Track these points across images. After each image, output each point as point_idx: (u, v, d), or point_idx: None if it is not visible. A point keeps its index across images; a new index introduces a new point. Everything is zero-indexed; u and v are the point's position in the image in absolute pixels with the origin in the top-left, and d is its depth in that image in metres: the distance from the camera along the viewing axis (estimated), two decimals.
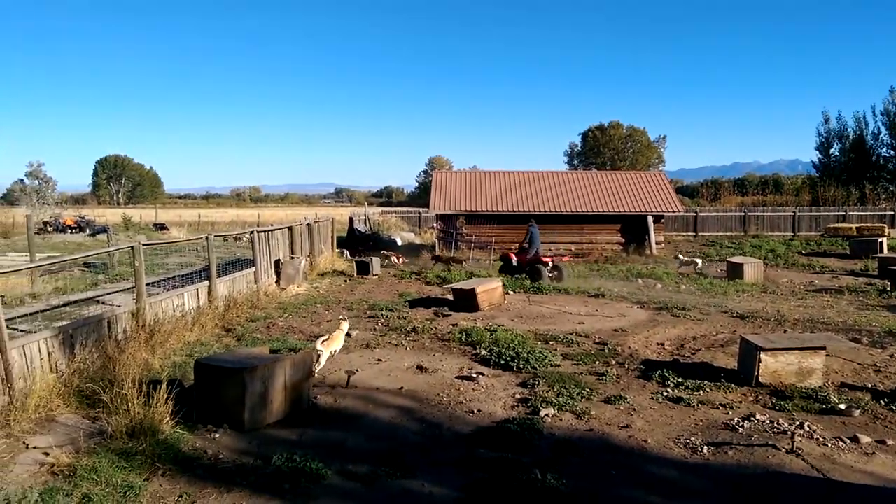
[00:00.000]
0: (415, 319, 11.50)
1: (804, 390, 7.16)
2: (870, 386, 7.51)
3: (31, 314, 10.49)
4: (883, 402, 6.87)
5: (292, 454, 5.41)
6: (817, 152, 50.06)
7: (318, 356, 8.10)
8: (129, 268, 15.31)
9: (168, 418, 5.89)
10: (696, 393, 7.27)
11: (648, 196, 26.39)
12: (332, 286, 16.05)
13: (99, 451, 5.44)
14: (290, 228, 16.62)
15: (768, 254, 23.86)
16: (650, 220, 25.24)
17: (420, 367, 8.40)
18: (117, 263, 18.45)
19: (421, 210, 40.54)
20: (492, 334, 10.02)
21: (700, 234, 32.59)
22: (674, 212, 26.80)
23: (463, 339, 9.90)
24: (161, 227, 40.99)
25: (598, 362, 8.67)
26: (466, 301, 12.47)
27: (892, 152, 45.11)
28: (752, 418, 6.42)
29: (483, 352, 9.07)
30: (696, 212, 34.54)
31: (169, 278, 13.16)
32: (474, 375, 7.96)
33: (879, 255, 20.19)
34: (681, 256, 20.77)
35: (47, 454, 5.40)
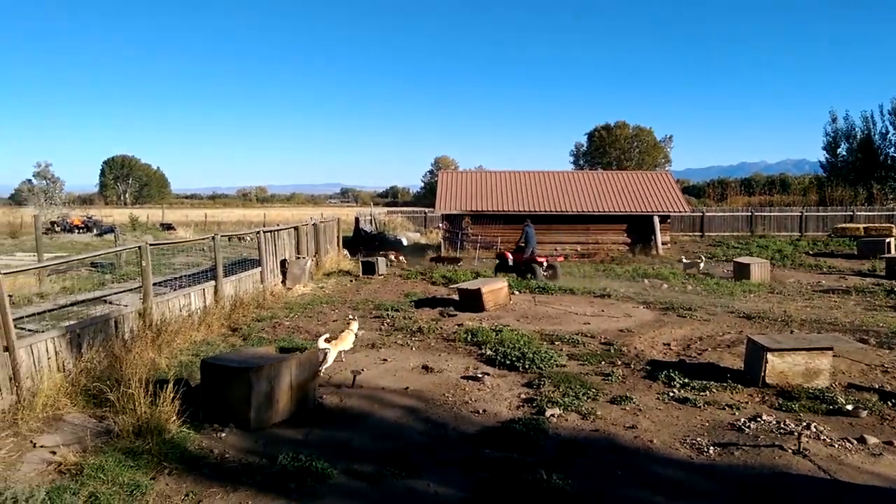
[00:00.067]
0: (420, 319, 11.51)
1: (811, 391, 7.13)
2: (877, 387, 7.47)
3: (38, 313, 10.55)
4: (890, 404, 6.83)
5: (298, 454, 5.43)
6: (824, 152, 49.89)
7: (326, 355, 8.11)
8: (136, 267, 15.39)
9: (174, 417, 5.91)
10: (702, 393, 7.26)
11: (655, 196, 26.33)
12: (338, 286, 16.08)
13: (106, 450, 5.47)
14: (295, 228, 16.66)
15: (775, 254, 23.79)
16: (656, 220, 25.18)
17: (426, 367, 8.41)
18: (124, 263, 18.53)
19: (426, 210, 40.55)
20: (497, 334, 10.02)
21: (706, 234, 32.50)
22: (680, 212, 26.73)
23: (468, 339, 9.90)
24: (168, 227, 41.11)
25: (603, 363, 8.65)
26: (472, 301, 12.47)
27: None
28: (759, 419, 6.40)
29: (488, 352, 9.07)
30: (702, 212, 34.44)
31: (175, 278, 13.20)
32: (480, 375, 7.96)
33: (887, 255, 20.09)
34: (684, 259, 20.71)
35: (54, 453, 5.43)
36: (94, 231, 35.62)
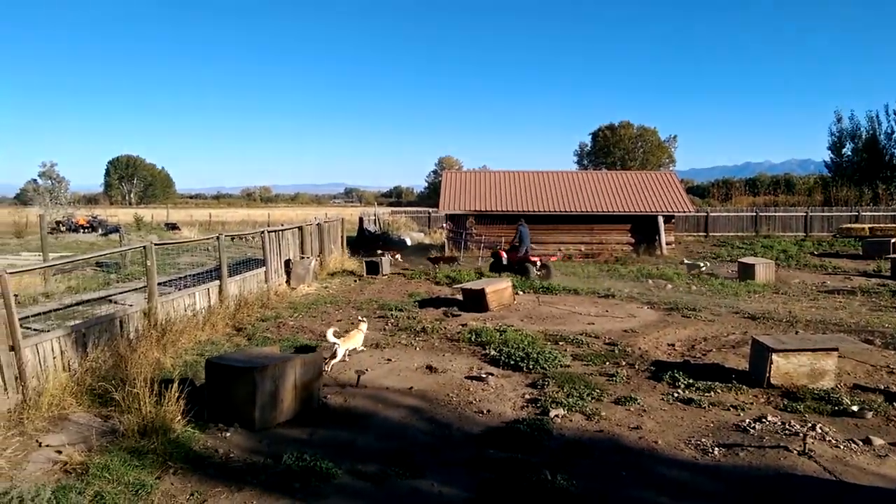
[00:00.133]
0: (424, 319, 11.51)
1: (816, 392, 7.11)
2: (883, 388, 7.44)
3: (44, 313, 10.58)
4: None
5: (302, 453, 5.43)
6: (829, 152, 49.67)
7: (335, 351, 8.18)
8: (140, 267, 15.42)
9: (179, 417, 5.93)
10: (706, 394, 7.24)
11: (659, 196, 26.27)
12: (342, 286, 16.09)
13: (111, 449, 5.49)
14: (300, 228, 16.68)
15: (780, 254, 23.70)
16: (661, 220, 25.12)
17: (430, 367, 8.41)
18: (129, 263, 18.59)
19: (431, 210, 40.55)
20: (501, 334, 10.01)
21: (711, 234, 32.43)
22: (684, 212, 26.66)
23: (472, 339, 9.90)
24: (172, 226, 41.20)
25: (608, 363, 8.64)
26: (476, 301, 12.47)
27: None
28: (764, 420, 6.39)
29: (492, 352, 9.07)
30: (706, 212, 34.36)
31: (180, 278, 13.24)
32: (484, 376, 7.96)
33: (892, 255, 19.99)
34: (686, 260, 20.66)
35: (60, 452, 5.45)
36: (99, 231, 35.72)
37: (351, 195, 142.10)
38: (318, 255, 17.83)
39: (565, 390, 7.36)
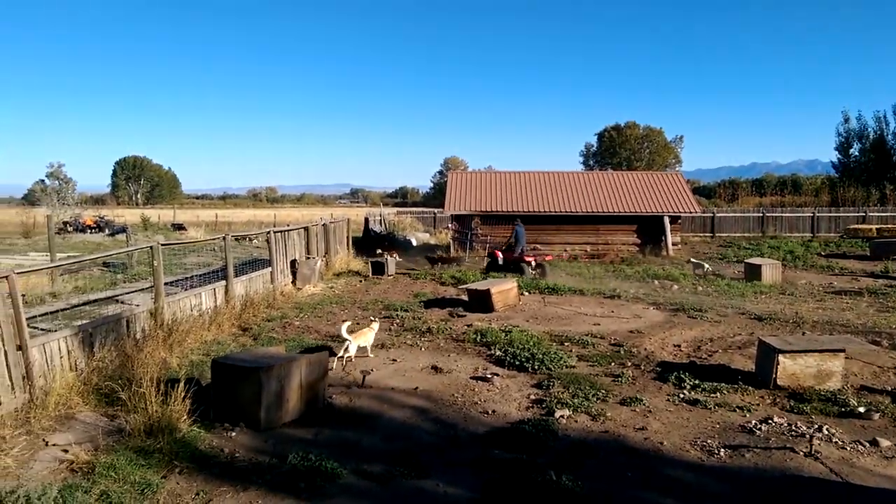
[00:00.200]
0: (430, 320, 11.52)
1: (823, 393, 7.08)
2: (890, 389, 7.41)
3: (51, 313, 10.63)
4: None
5: (308, 453, 5.44)
6: (837, 152, 49.55)
7: (346, 345, 8.30)
8: (147, 267, 15.48)
9: (185, 417, 5.95)
10: (712, 395, 7.22)
11: (665, 197, 26.20)
12: (348, 286, 16.12)
13: (117, 448, 5.51)
14: (305, 229, 16.71)
15: (787, 255, 23.61)
16: (667, 220, 25.05)
17: (435, 368, 8.42)
18: (136, 263, 18.66)
19: (436, 210, 40.55)
20: (507, 335, 10.01)
21: (717, 235, 32.34)
22: (691, 212, 26.57)
23: (478, 339, 9.90)
24: (179, 227, 41.32)
25: (613, 364, 8.63)
26: (481, 302, 12.47)
27: None
28: (770, 421, 6.36)
29: (498, 352, 9.06)
30: (713, 212, 34.28)
31: (187, 278, 13.26)
32: (489, 376, 7.96)
33: None
34: (692, 259, 20.63)
35: (66, 451, 5.48)
36: (106, 231, 35.86)
37: (356, 196, 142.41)
38: (324, 256, 17.86)
39: (570, 391, 7.35)
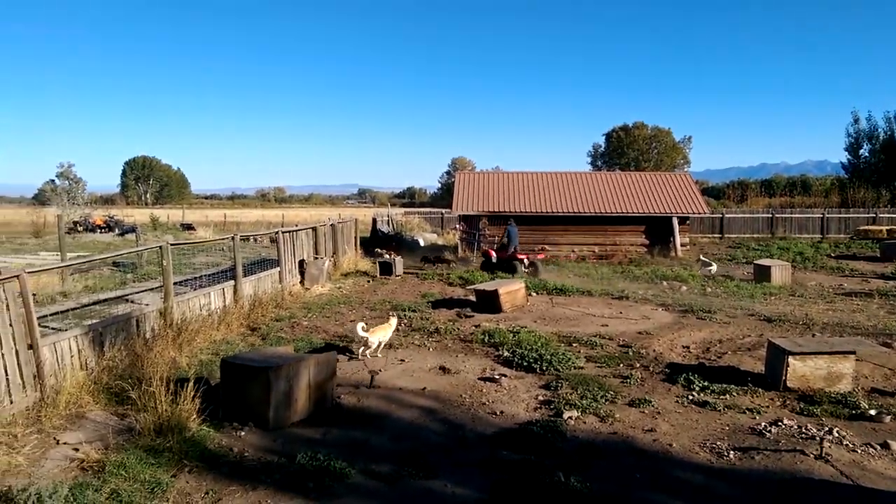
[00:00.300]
0: (437, 320, 11.52)
1: (833, 395, 7.04)
2: None
3: (61, 312, 10.71)
4: None
5: (316, 453, 5.46)
6: (846, 153, 49.24)
7: (366, 340, 8.64)
8: (157, 267, 15.55)
9: (195, 416, 5.97)
10: (722, 397, 7.20)
11: (673, 197, 26.10)
12: (356, 286, 16.14)
13: (127, 447, 5.54)
14: (314, 229, 16.74)
15: (796, 256, 23.48)
16: (675, 221, 24.96)
17: (443, 368, 8.42)
18: (145, 263, 18.76)
19: (444, 211, 40.58)
20: (514, 336, 10.00)
21: (726, 235, 32.21)
22: (699, 213, 26.46)
23: (485, 340, 9.90)
24: (188, 227, 41.51)
25: (622, 365, 8.61)
26: (489, 302, 12.46)
27: None
28: (780, 423, 6.33)
29: (506, 353, 9.06)
30: (722, 213, 34.15)
31: (196, 278, 13.33)
32: (497, 377, 7.96)
33: None
34: (702, 258, 20.57)
35: (77, 450, 5.51)
36: (116, 231, 36.07)
37: (364, 196, 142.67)
38: (332, 256, 17.89)
39: (579, 392, 7.34)
